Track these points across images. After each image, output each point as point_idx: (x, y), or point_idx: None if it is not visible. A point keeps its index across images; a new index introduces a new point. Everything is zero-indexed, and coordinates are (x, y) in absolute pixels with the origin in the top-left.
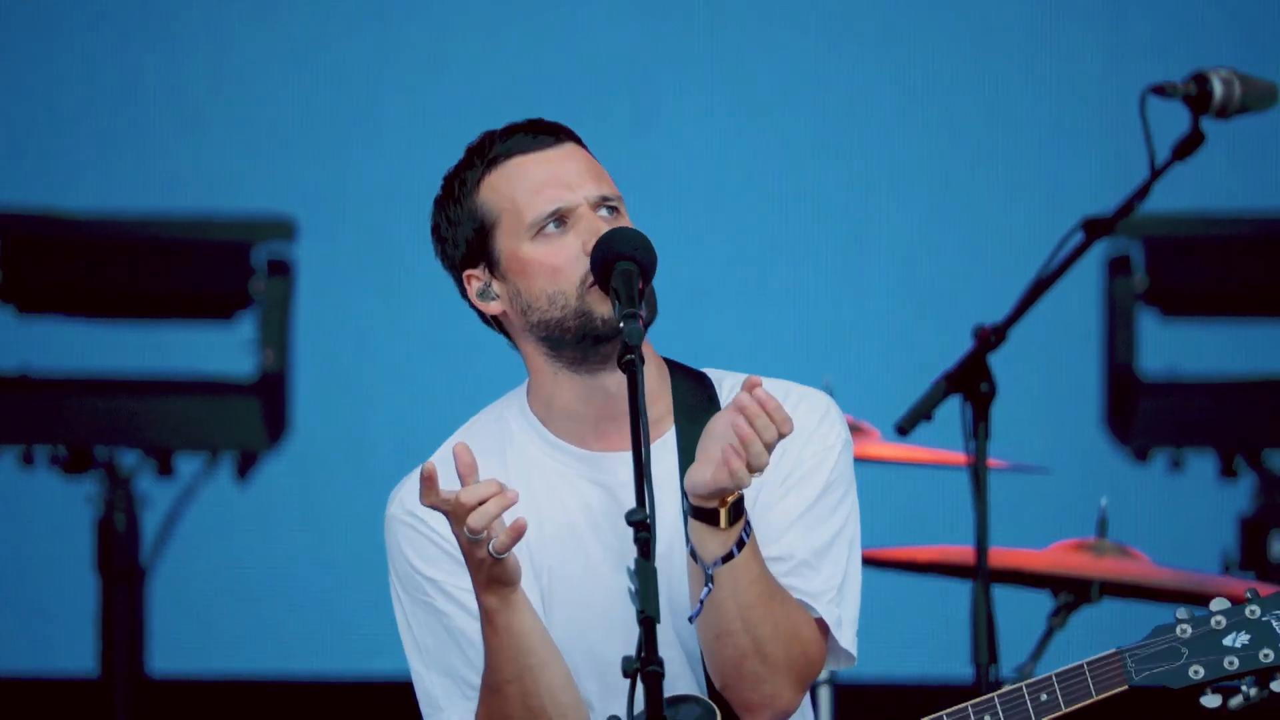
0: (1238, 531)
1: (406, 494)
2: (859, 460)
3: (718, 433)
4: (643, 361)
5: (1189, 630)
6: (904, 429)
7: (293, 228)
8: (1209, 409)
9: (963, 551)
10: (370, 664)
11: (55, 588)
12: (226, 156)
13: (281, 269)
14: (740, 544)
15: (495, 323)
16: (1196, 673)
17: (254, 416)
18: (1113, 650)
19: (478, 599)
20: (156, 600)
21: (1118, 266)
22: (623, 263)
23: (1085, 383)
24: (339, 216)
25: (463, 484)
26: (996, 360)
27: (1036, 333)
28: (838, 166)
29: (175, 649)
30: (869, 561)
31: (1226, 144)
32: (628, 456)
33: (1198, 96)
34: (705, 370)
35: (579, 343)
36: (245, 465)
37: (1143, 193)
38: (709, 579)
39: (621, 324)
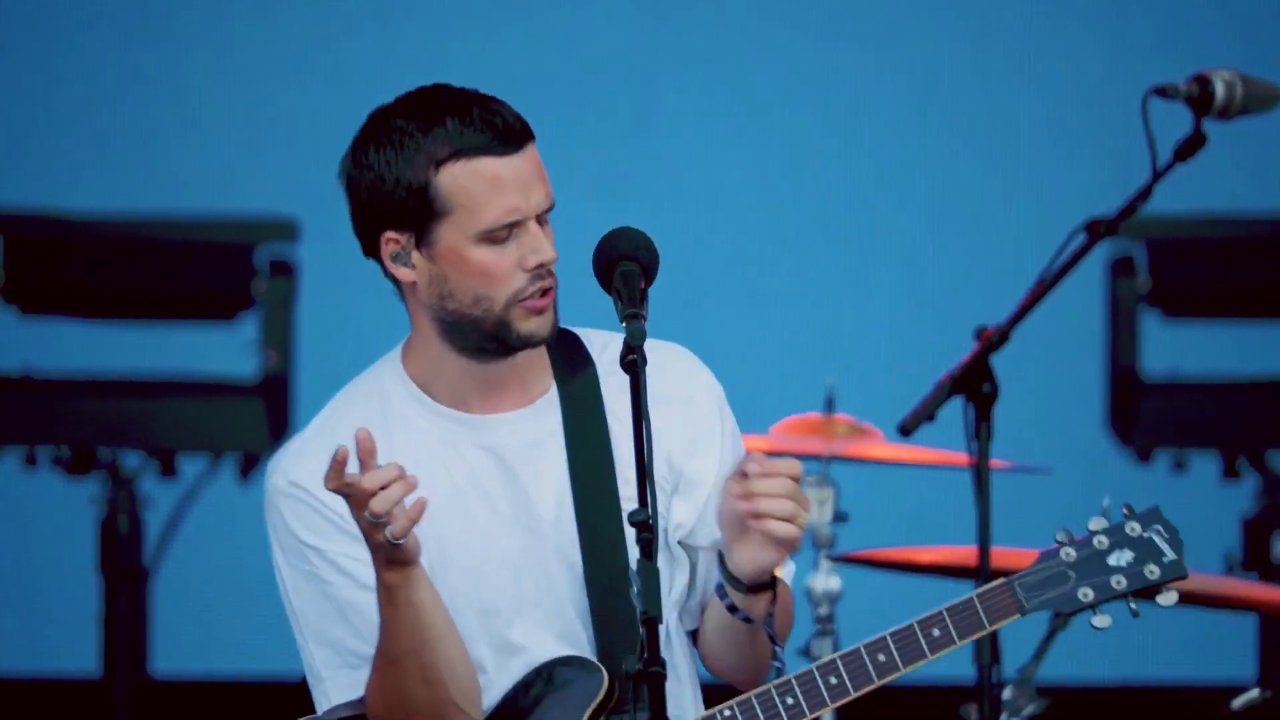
0: (1240, 532)
1: (289, 464)
2: (862, 461)
3: (740, 513)
4: (644, 361)
5: (1073, 554)
6: (906, 430)
7: (295, 228)
8: (1212, 410)
9: (965, 552)
10: None
11: (58, 588)
12: (228, 157)
13: (284, 270)
14: (775, 594)
15: (393, 279)
16: (1086, 595)
17: (257, 417)
18: (1000, 580)
19: (378, 576)
20: (159, 601)
21: (1120, 268)
22: (625, 263)
23: (1088, 384)
24: (341, 217)
25: (363, 469)
26: (999, 361)
27: (1039, 334)
28: (839, 167)
29: (177, 649)
30: (872, 563)
31: (1229, 145)
32: (511, 417)
33: (1200, 98)
34: (570, 329)
35: (485, 340)
36: (248, 466)
37: (1145, 194)
38: (737, 613)
39: (624, 324)
